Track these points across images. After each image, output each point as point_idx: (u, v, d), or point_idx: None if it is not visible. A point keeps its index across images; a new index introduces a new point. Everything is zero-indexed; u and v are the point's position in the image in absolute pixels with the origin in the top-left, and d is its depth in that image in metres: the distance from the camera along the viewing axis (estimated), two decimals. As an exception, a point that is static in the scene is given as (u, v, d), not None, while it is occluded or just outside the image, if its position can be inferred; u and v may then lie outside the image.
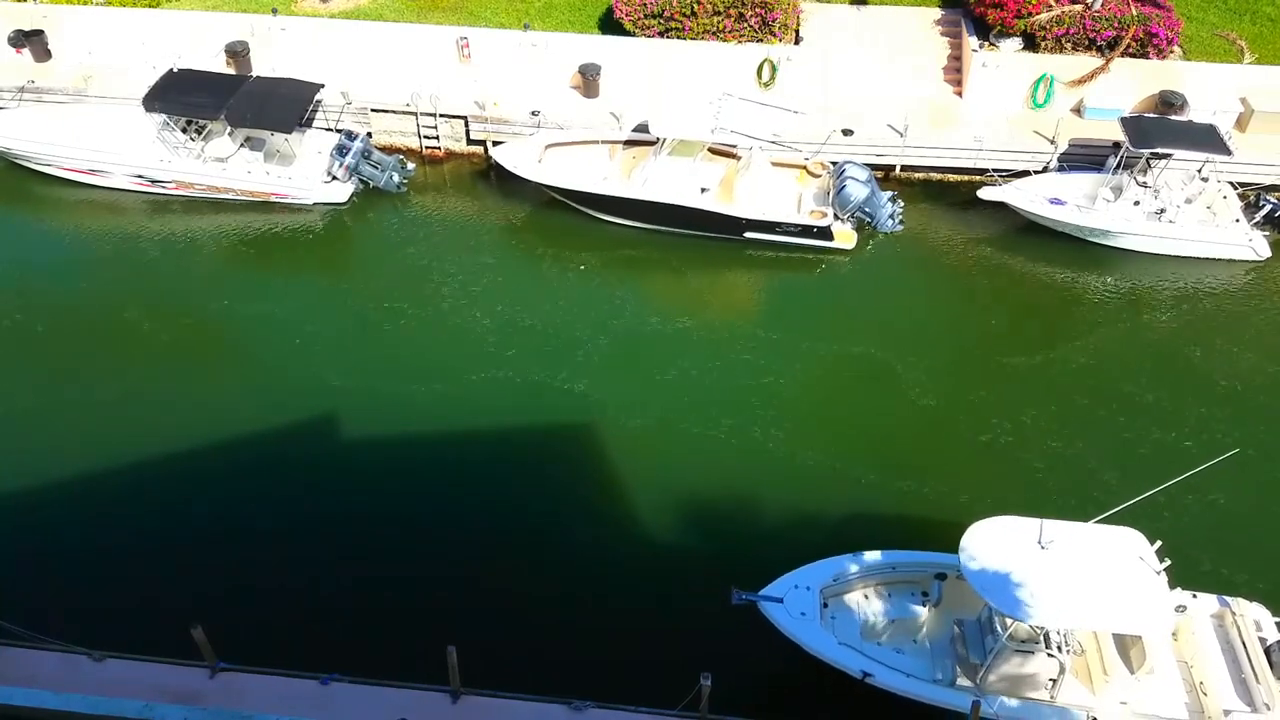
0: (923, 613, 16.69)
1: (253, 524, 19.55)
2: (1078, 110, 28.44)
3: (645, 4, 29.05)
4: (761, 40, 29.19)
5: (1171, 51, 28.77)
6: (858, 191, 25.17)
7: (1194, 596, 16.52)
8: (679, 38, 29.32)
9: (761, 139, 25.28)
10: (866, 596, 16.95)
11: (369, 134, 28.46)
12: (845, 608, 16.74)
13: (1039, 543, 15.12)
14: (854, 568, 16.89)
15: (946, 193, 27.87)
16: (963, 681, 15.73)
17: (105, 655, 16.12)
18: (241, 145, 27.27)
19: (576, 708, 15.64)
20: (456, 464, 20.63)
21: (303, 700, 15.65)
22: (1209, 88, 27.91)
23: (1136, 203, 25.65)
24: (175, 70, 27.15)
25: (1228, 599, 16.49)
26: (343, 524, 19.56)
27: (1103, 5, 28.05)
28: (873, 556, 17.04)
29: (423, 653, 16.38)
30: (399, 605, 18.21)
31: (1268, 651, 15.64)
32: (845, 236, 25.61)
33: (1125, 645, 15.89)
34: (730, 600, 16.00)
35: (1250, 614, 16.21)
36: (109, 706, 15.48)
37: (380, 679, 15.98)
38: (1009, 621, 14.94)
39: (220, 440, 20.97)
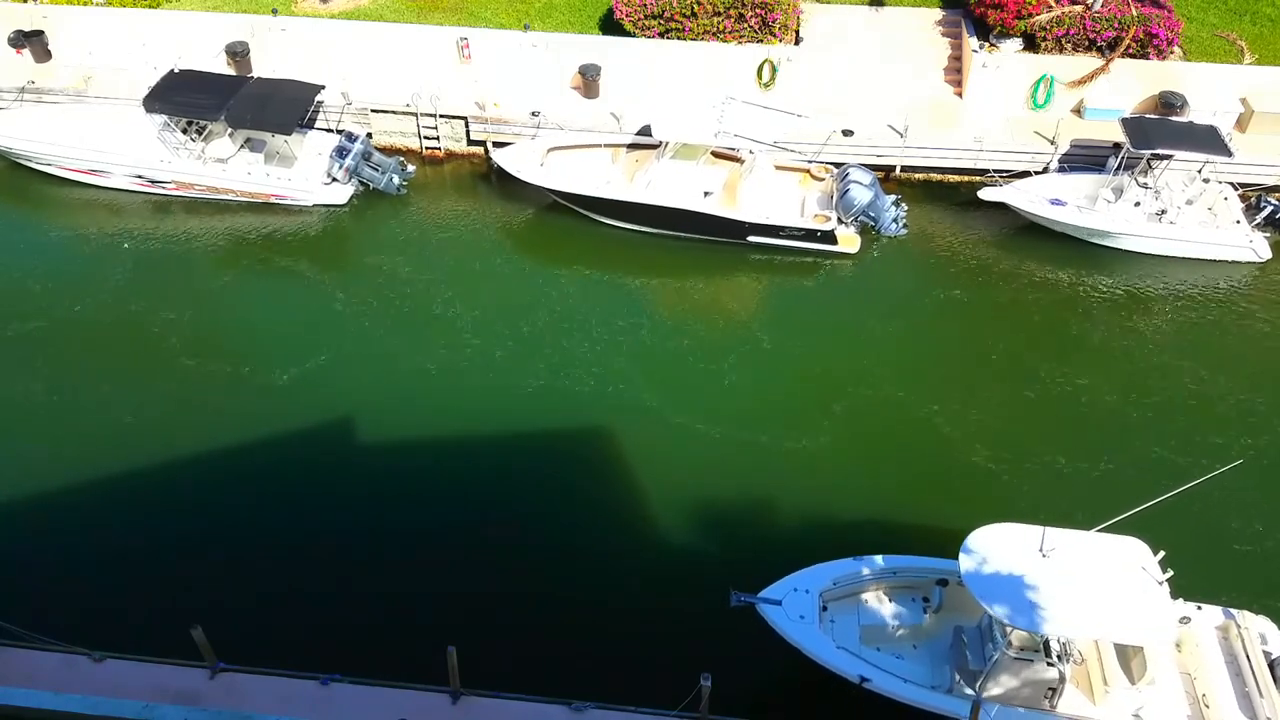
0: (923, 619, 16.57)
1: (253, 525, 19.53)
2: (1078, 111, 28.44)
3: (645, 4, 29.05)
4: (761, 41, 29.19)
5: (1172, 52, 28.78)
6: (861, 195, 25.15)
7: (1198, 608, 16.38)
8: (679, 38, 29.32)
9: (764, 143, 25.27)
10: (867, 601, 16.85)
11: (369, 134, 28.47)
12: (845, 612, 16.63)
13: (1040, 550, 15.00)
14: (855, 572, 16.81)
15: (947, 193, 27.87)
16: (962, 689, 15.63)
17: (105, 655, 16.10)
18: (242, 146, 27.28)
19: (576, 708, 15.61)
20: (456, 466, 20.62)
21: (303, 701, 15.63)
22: (1209, 88, 27.92)
23: (1137, 204, 25.65)
24: (175, 71, 27.17)
25: (1233, 611, 16.33)
26: (343, 525, 19.55)
27: (1103, 6, 28.07)
28: (874, 561, 16.95)
29: (423, 653, 16.35)
30: (399, 606, 18.20)
31: (1272, 665, 15.51)
32: (848, 240, 25.58)
33: (1127, 655, 15.77)
34: (729, 602, 15.94)
35: (1255, 627, 16.07)
36: (108, 707, 15.45)
37: (380, 679, 15.95)
38: (1009, 629, 14.83)
39: (220, 441, 20.96)
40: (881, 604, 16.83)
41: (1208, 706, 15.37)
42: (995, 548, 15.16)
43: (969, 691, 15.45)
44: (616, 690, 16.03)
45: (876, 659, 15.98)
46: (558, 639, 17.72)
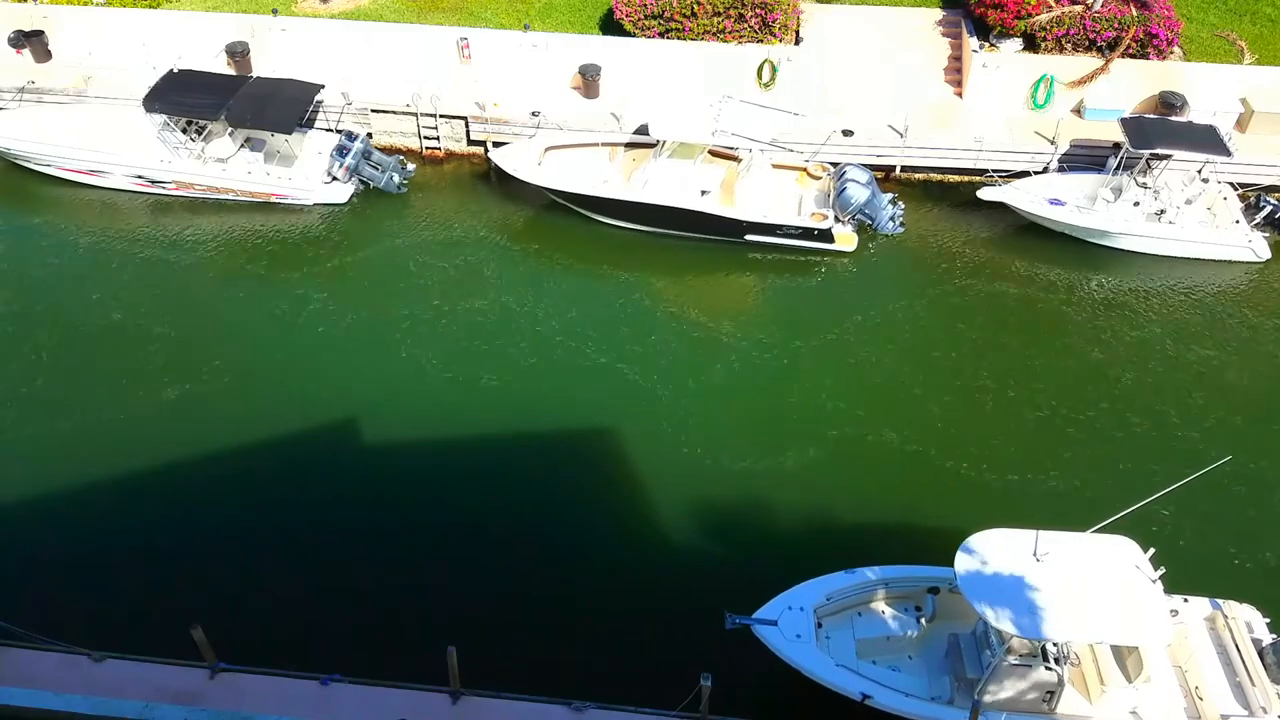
0: (917, 628, 16.54)
1: (253, 525, 19.54)
2: (1078, 111, 28.45)
3: (645, 4, 29.06)
4: (761, 41, 29.20)
5: (1171, 52, 28.78)
6: (858, 194, 25.16)
7: (1185, 600, 16.43)
8: (679, 38, 29.33)
9: (762, 141, 25.26)
10: (860, 614, 16.78)
11: (369, 134, 28.48)
12: (839, 627, 16.57)
13: (1034, 555, 14.94)
14: (847, 585, 16.74)
15: (947, 193, 27.87)
16: (960, 697, 15.62)
17: (105, 655, 16.11)
18: (241, 146, 27.29)
19: (576, 708, 15.63)
20: (456, 466, 20.62)
21: (303, 700, 15.64)
22: (1209, 88, 27.92)
23: (1136, 204, 25.66)
24: (175, 71, 27.17)
25: (1219, 601, 16.43)
26: (344, 525, 19.55)
27: (1103, 6, 28.07)
28: (865, 572, 16.88)
29: (423, 653, 16.36)
30: (399, 606, 18.21)
31: (1261, 653, 15.60)
32: (846, 239, 25.59)
33: (1122, 654, 15.81)
34: (725, 625, 15.87)
35: (1241, 616, 16.16)
36: (109, 707, 15.47)
37: (380, 679, 15.97)
38: (1007, 635, 14.77)
39: (220, 442, 20.95)
40: (875, 616, 16.77)
41: (1201, 699, 15.42)
42: (989, 554, 15.09)
43: (967, 699, 15.42)
44: (617, 690, 16.05)
45: (874, 673, 15.94)
46: (558, 639, 17.73)
